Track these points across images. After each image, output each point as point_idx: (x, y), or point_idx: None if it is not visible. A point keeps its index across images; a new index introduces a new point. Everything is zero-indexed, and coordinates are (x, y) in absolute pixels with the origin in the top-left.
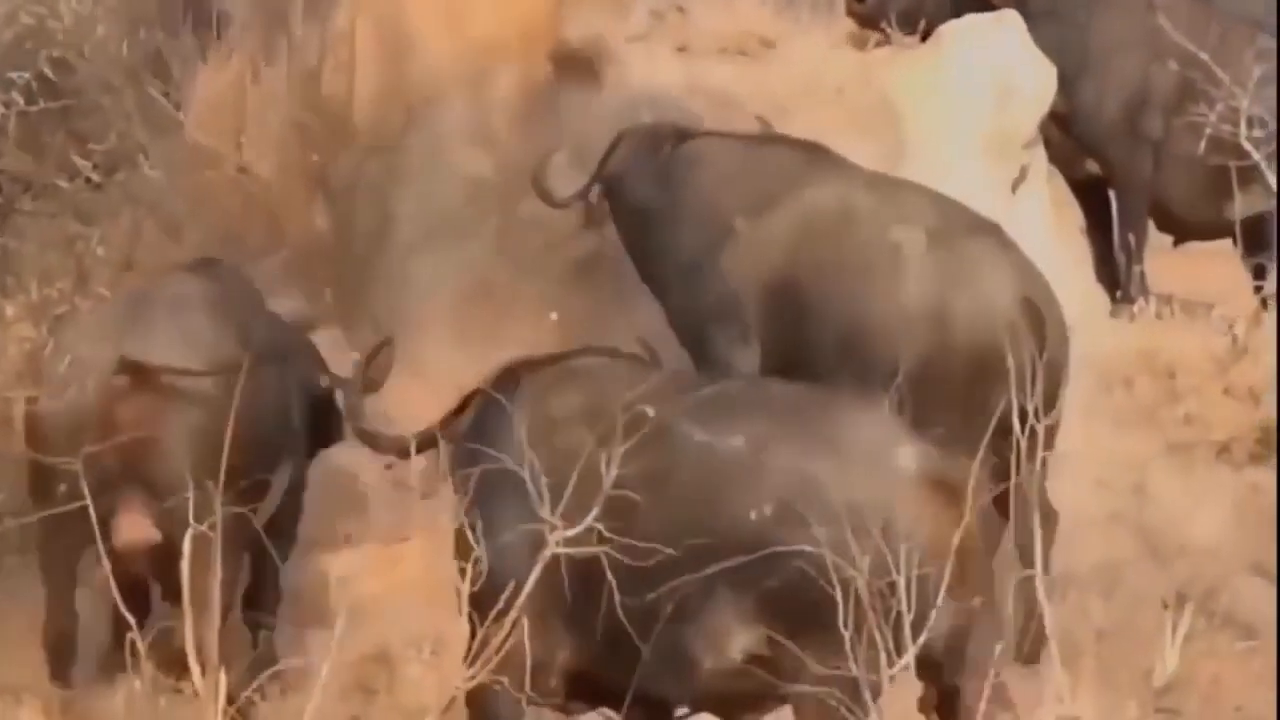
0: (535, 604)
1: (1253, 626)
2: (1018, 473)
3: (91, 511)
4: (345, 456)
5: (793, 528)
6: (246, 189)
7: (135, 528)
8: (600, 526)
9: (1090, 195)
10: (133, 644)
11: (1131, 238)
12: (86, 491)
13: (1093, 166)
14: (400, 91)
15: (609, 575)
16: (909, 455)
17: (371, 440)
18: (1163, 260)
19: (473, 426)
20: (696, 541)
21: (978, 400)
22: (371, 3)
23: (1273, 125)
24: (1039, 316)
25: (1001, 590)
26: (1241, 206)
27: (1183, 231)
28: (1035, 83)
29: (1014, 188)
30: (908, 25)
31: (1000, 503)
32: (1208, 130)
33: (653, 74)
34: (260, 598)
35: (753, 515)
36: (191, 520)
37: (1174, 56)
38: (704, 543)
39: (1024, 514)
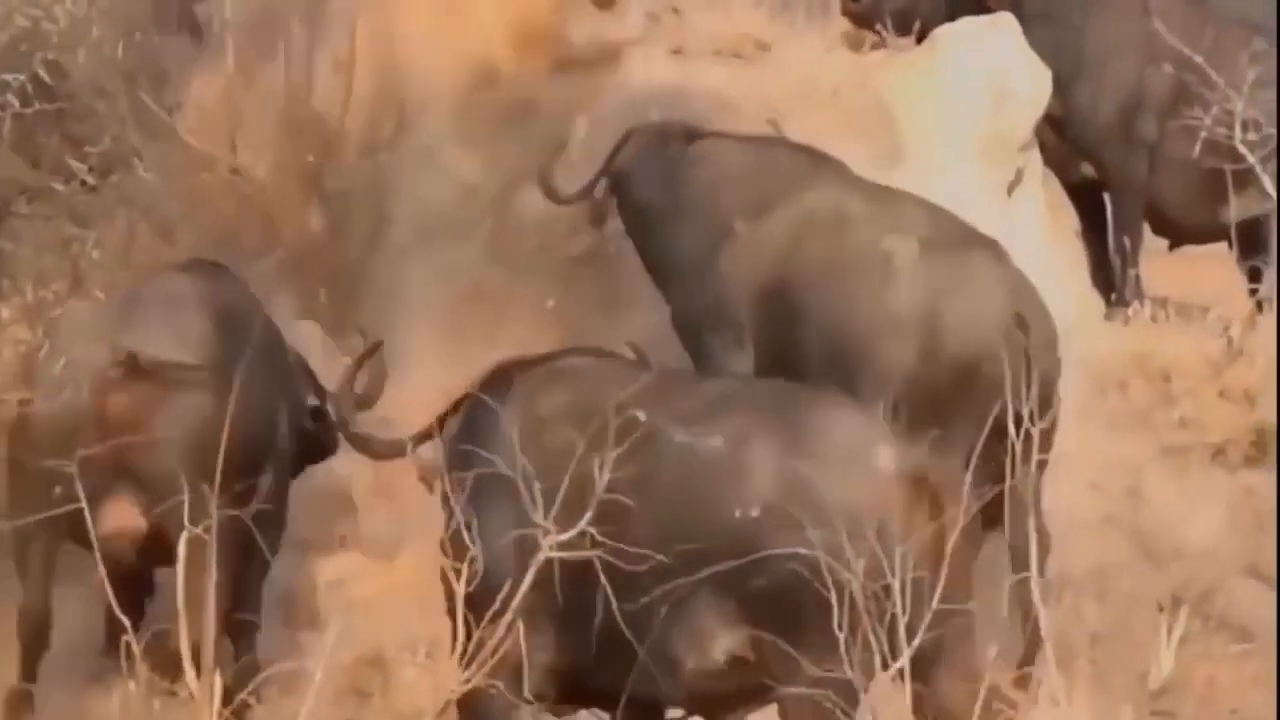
0: (523, 604)
1: (1248, 629)
2: (1012, 476)
3: (87, 513)
4: (341, 460)
5: (774, 528)
6: (241, 191)
7: (123, 516)
8: (592, 530)
9: (1085, 198)
10: (128, 646)
11: (1127, 241)
12: (80, 490)
13: (1088, 169)
14: (394, 94)
15: (602, 579)
16: (888, 454)
17: (364, 445)
18: (1158, 263)
19: (463, 428)
20: (682, 543)
21: (966, 410)
22: (367, 5)
23: (1267, 128)
24: (1028, 331)
25: (996, 593)
26: (1237, 209)
27: (1178, 235)
28: (1030, 86)
29: (1009, 190)
30: (902, 26)
31: (996, 508)
32: (1203, 133)
33: (648, 76)
34: (245, 602)
35: (737, 514)
36: (186, 523)
37: (1169, 59)
38: (689, 545)
39: (1019, 519)
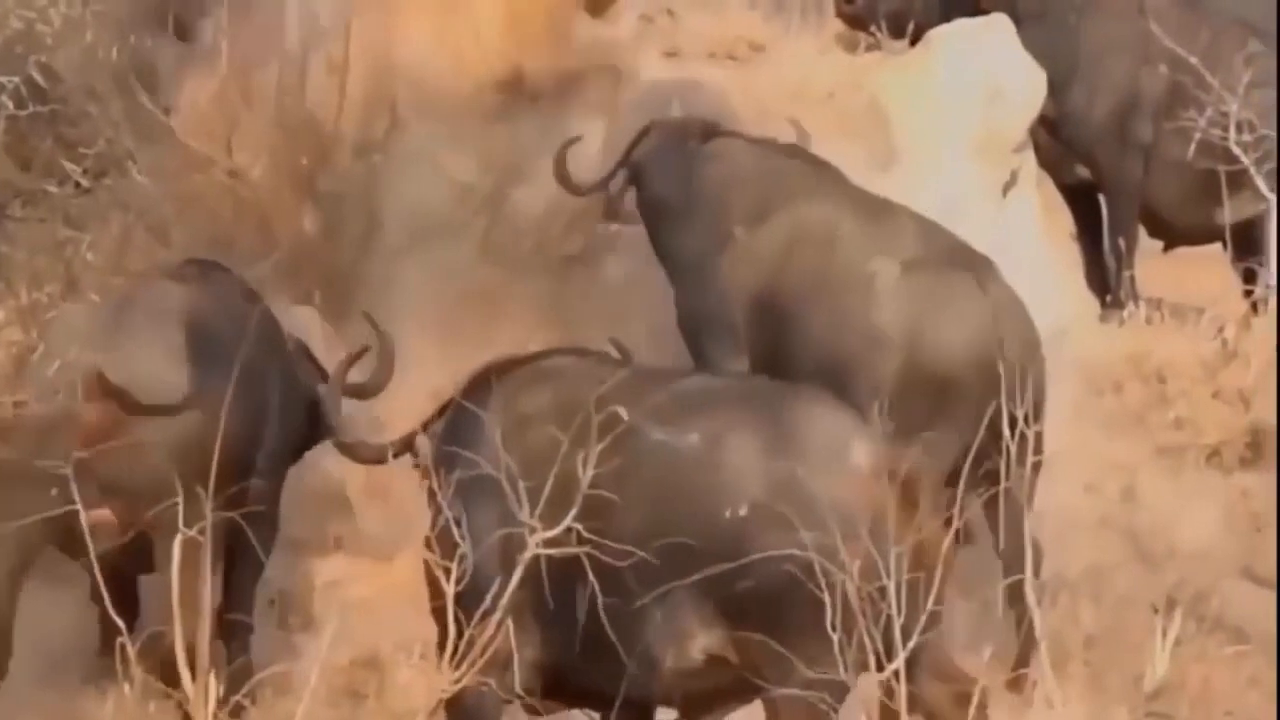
0: (510, 601)
1: (1243, 630)
2: (1007, 477)
3: (83, 516)
4: (335, 460)
5: (763, 528)
6: (236, 193)
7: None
8: (579, 527)
9: (1080, 200)
10: (122, 648)
11: (1121, 242)
12: (75, 492)
13: (1082, 171)
14: (388, 95)
15: (589, 575)
16: (862, 449)
17: (350, 451)
18: (1152, 265)
19: (448, 429)
20: (665, 539)
21: (944, 429)
22: (361, 6)
23: (1262, 130)
24: (1004, 355)
25: (990, 595)
26: (1231, 211)
27: (1173, 236)
28: (1025, 87)
29: (1004, 192)
30: (897, 28)
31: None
32: (1197, 135)
33: (647, 77)
34: (238, 604)
35: (726, 514)
36: (181, 525)
37: (1164, 61)
38: (673, 540)
39: (1013, 521)
